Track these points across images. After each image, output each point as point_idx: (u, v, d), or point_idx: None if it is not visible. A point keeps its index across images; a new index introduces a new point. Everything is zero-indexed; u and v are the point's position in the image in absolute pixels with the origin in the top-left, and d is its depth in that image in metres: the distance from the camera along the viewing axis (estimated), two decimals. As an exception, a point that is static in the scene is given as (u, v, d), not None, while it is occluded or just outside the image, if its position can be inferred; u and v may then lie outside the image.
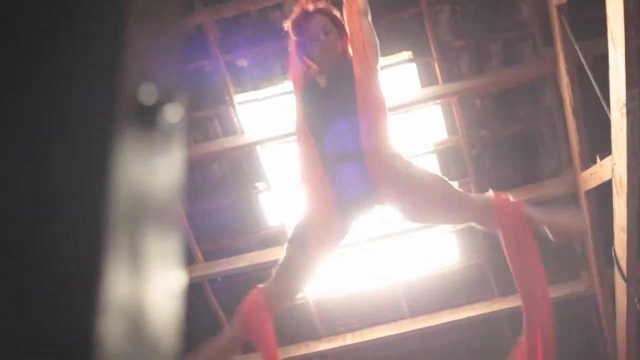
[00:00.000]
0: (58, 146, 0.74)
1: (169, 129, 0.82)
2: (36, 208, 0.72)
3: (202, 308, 8.98)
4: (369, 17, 4.76)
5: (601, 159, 6.78)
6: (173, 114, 0.82)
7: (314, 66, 4.68)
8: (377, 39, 4.71)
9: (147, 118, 0.79)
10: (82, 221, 0.71)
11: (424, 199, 4.37)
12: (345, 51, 4.75)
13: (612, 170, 6.23)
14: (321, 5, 4.80)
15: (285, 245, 4.69)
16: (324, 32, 4.65)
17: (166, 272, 0.82)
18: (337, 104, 4.59)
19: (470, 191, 8.45)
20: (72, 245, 0.71)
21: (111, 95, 0.76)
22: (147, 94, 0.80)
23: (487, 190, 8.32)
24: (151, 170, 0.81)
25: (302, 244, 4.56)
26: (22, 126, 0.75)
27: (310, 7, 4.73)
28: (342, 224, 4.57)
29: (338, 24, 4.74)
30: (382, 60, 4.90)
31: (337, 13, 4.81)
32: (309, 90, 4.67)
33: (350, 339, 9.18)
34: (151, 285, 0.78)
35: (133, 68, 0.78)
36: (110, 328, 0.70)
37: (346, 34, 4.72)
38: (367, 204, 4.55)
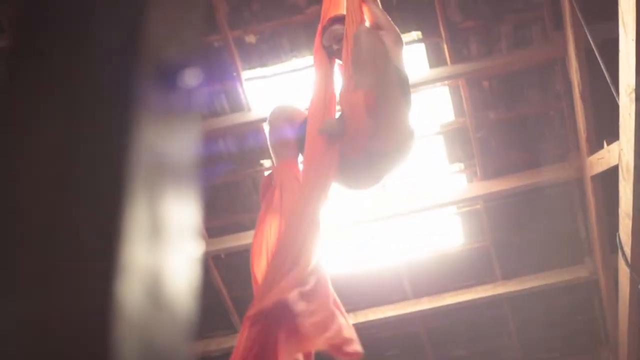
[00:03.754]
0: (82, 109, 0.74)
1: (189, 93, 0.82)
2: (58, 170, 0.72)
3: (205, 285, 9.00)
4: (378, 2, 4.86)
5: (608, 144, 6.76)
6: (192, 78, 0.82)
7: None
8: (389, 20, 4.77)
9: (168, 82, 0.79)
10: (104, 183, 0.71)
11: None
12: None
13: (619, 155, 6.21)
14: (333, 15, 4.96)
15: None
16: (335, 42, 4.82)
17: (183, 238, 0.81)
18: None
19: (475, 173, 8.45)
20: (93, 208, 0.71)
21: (133, 58, 0.75)
22: (168, 58, 0.80)
23: (493, 173, 8.33)
24: (171, 134, 0.81)
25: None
26: (50, 86, 0.74)
27: (327, 21, 4.93)
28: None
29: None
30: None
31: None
32: None
33: (352, 319, 9.20)
34: (169, 250, 0.78)
35: (154, 33, 0.78)
36: (129, 292, 0.69)
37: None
38: None
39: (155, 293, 0.73)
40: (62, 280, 0.68)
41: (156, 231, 0.75)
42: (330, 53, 4.86)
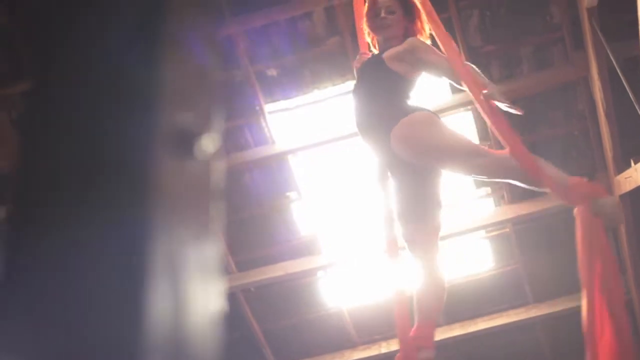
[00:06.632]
0: (99, 175, 0.75)
1: (207, 158, 0.83)
2: (79, 235, 0.73)
3: (236, 318, 8.99)
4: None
5: (635, 162, 6.72)
6: (210, 144, 0.83)
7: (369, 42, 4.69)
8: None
9: (185, 148, 0.80)
10: (125, 245, 0.72)
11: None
12: (402, 35, 4.60)
13: (647, 174, 6.17)
14: None
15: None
16: (386, 11, 4.56)
17: (206, 299, 0.82)
18: (362, 84, 4.53)
19: (503, 197, 8.41)
20: (116, 267, 0.72)
21: (150, 125, 0.76)
22: (185, 124, 0.80)
23: (520, 196, 8.28)
24: (190, 198, 0.81)
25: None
26: (69, 163, 0.76)
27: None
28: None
29: (408, 8, 4.61)
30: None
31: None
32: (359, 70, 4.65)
33: (385, 347, 9.16)
34: (191, 305, 0.79)
35: (171, 98, 0.79)
36: (154, 346, 0.70)
37: (414, 20, 4.61)
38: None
39: (180, 345, 0.74)
40: (85, 336, 0.69)
41: (179, 278, 0.76)
42: (374, 23, 4.63)
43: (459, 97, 7.84)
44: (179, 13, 0.82)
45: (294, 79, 8.03)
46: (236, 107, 8.08)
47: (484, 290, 9.06)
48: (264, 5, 7.54)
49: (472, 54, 7.76)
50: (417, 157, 4.20)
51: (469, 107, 7.94)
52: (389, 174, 4.41)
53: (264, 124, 8.12)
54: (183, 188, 0.81)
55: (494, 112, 4.17)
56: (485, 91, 4.18)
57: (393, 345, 9.15)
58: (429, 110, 4.37)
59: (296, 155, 8.29)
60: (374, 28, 4.62)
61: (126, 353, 0.69)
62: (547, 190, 4.15)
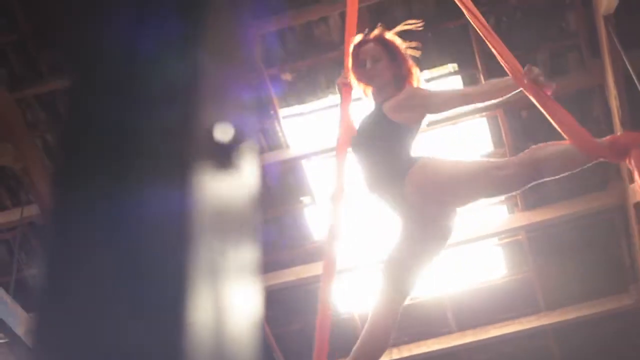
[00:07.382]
0: (139, 184, 0.75)
1: (243, 166, 0.83)
2: (124, 239, 0.73)
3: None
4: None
5: (650, 170, 6.69)
6: (247, 152, 0.83)
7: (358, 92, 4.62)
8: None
9: (223, 157, 0.80)
10: (167, 251, 0.73)
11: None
12: (392, 81, 4.54)
13: (662, 182, 6.14)
14: (379, 33, 4.63)
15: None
16: (371, 60, 4.51)
17: (245, 303, 0.82)
18: (364, 140, 4.48)
19: (516, 204, 8.39)
20: (159, 272, 0.72)
21: (187, 134, 0.76)
22: (222, 133, 0.80)
23: (534, 203, 8.26)
24: (228, 205, 0.82)
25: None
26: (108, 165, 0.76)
27: (371, 35, 4.61)
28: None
29: (392, 54, 4.56)
30: (427, 73, 4.79)
31: (396, 42, 4.63)
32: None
33: (396, 354, 9.15)
34: (231, 309, 0.79)
35: (208, 107, 0.79)
36: (196, 347, 0.70)
37: (401, 64, 4.54)
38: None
39: (221, 346, 0.75)
40: (125, 338, 0.69)
41: (219, 282, 0.76)
42: (362, 74, 4.58)
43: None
44: (218, 15, 0.83)
45: (308, 83, 8.03)
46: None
47: (496, 297, 9.05)
48: (279, 10, 7.54)
49: (488, 60, 7.75)
50: (439, 200, 4.11)
51: (484, 113, 7.94)
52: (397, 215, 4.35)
53: (278, 129, 8.12)
54: (222, 193, 0.81)
55: (541, 92, 4.23)
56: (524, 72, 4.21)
57: (404, 352, 9.16)
58: (431, 156, 4.38)
59: (310, 160, 8.29)
60: (361, 79, 4.55)
61: (168, 356, 0.70)
62: (587, 164, 4.12)
